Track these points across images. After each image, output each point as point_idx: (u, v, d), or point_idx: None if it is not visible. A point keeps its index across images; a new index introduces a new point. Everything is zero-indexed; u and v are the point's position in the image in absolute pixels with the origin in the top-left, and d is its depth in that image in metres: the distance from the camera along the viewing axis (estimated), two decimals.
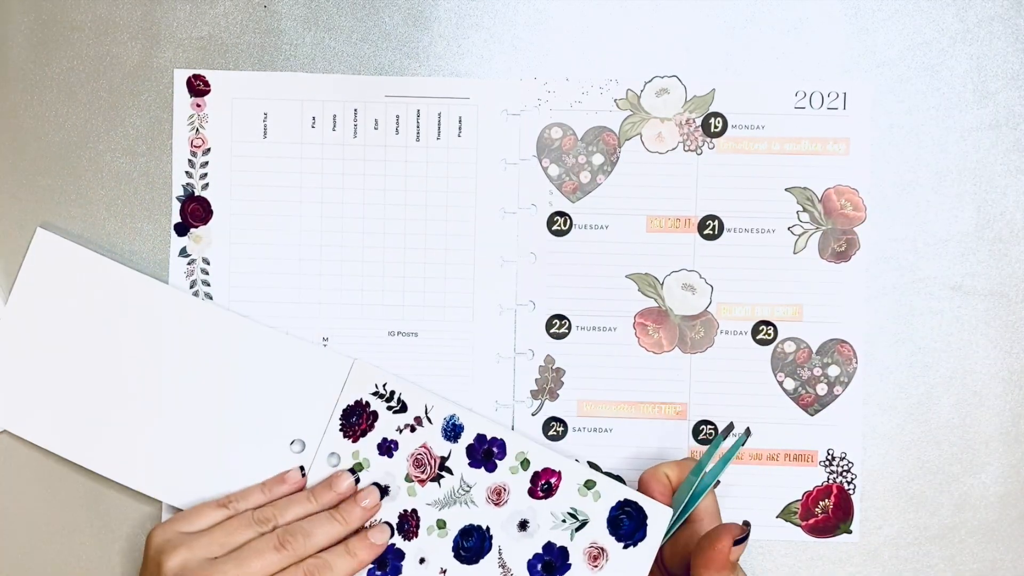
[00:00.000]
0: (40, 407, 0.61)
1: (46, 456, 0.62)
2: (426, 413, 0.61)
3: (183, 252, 0.62)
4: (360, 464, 0.60)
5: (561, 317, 0.62)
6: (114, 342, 0.61)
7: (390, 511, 0.60)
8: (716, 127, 0.62)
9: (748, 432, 0.59)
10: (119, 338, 0.61)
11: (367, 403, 0.61)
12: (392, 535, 0.59)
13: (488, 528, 0.59)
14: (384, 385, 0.61)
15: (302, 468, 0.60)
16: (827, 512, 0.62)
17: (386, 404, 0.60)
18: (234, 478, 0.60)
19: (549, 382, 0.62)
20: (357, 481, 0.60)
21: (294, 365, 0.61)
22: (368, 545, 0.58)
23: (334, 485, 0.59)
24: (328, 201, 0.62)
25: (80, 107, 0.62)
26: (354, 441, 0.60)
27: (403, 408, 0.60)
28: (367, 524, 0.59)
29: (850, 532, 0.62)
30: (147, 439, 0.60)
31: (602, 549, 0.58)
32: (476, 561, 0.59)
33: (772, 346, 0.62)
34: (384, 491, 0.60)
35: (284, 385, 0.61)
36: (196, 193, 0.62)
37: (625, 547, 0.57)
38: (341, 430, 0.61)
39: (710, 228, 0.62)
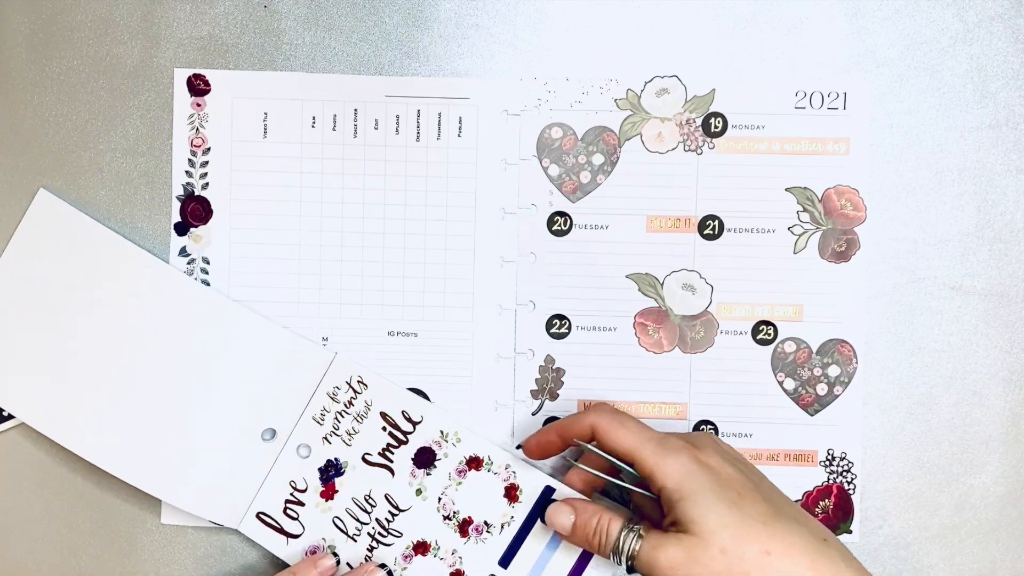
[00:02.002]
0: (15, 373, 0.61)
1: (46, 456, 0.62)
2: (405, 417, 0.61)
3: (183, 252, 0.62)
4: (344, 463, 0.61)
5: (561, 317, 0.62)
6: (97, 312, 0.60)
7: (349, 490, 0.61)
8: (716, 127, 0.62)
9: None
10: (102, 308, 0.60)
11: (343, 399, 0.61)
12: None
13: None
14: (360, 381, 0.61)
15: (335, 553, 0.60)
16: (827, 512, 0.62)
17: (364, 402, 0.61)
18: (202, 462, 0.60)
19: (549, 382, 0.62)
20: (337, 563, 0.60)
21: (277, 353, 0.61)
22: None
23: (318, 566, 0.58)
24: (328, 201, 0.62)
25: (80, 107, 0.62)
26: (325, 435, 0.61)
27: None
28: None
29: (850, 532, 0.62)
30: (118, 413, 0.60)
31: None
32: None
33: (772, 346, 0.62)
34: (336, 562, 0.60)
35: (265, 373, 0.61)
36: (196, 193, 0.62)
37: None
38: (315, 422, 0.61)
39: (710, 228, 0.62)
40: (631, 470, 0.55)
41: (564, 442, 0.58)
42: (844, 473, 0.62)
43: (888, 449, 0.62)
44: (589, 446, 0.56)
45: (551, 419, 0.62)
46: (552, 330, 0.62)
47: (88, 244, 0.61)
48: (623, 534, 0.53)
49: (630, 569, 0.53)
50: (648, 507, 0.57)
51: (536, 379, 0.62)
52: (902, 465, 0.62)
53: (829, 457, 0.62)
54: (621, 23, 0.62)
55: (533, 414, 0.62)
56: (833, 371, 0.62)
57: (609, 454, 0.55)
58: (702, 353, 0.62)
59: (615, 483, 0.57)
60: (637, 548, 0.52)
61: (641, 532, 0.53)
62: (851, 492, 0.62)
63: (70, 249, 0.61)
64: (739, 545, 0.50)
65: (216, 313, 0.61)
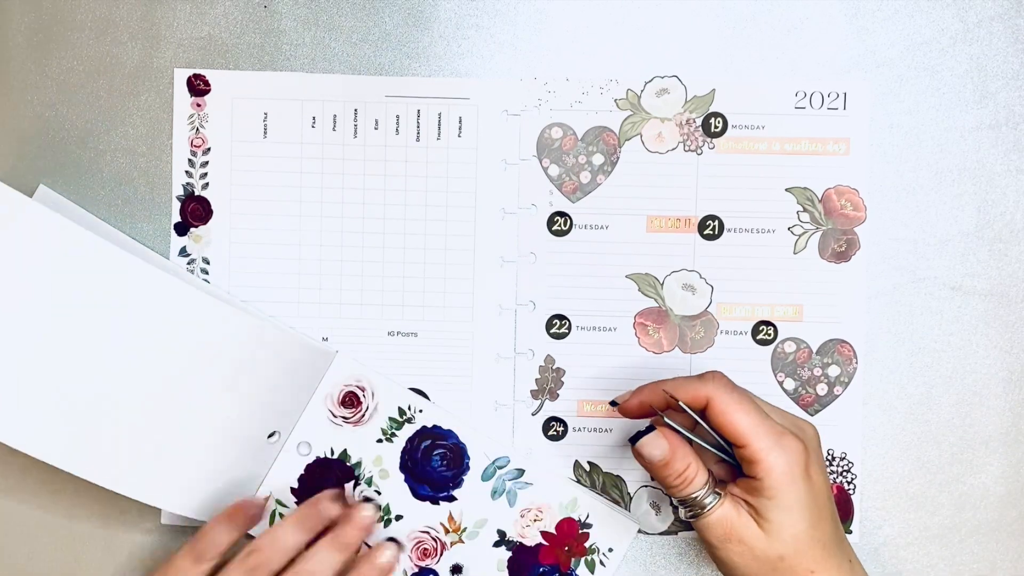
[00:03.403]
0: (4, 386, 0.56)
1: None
2: (402, 415, 0.61)
3: (183, 252, 0.62)
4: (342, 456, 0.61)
5: (561, 317, 0.62)
6: (87, 319, 0.57)
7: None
8: (716, 127, 0.62)
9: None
10: (93, 315, 0.57)
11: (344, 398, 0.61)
12: (401, 550, 0.59)
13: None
14: (358, 381, 0.61)
15: (253, 499, 0.58)
16: None
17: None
18: (202, 466, 0.60)
19: (549, 382, 0.62)
20: (343, 491, 0.59)
21: (278, 352, 0.60)
22: (378, 569, 0.56)
23: (322, 510, 0.56)
24: (328, 201, 0.62)
25: (80, 107, 0.62)
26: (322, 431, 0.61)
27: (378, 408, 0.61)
28: (370, 543, 0.59)
29: (850, 532, 0.62)
30: (115, 423, 0.58)
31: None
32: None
33: (772, 346, 0.62)
34: (378, 506, 0.59)
35: (264, 372, 0.60)
36: (196, 193, 0.62)
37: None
38: (315, 419, 0.61)
39: (710, 228, 0.62)
40: (721, 440, 0.55)
41: (666, 404, 0.55)
42: (844, 473, 0.62)
43: (888, 449, 0.62)
44: (694, 416, 0.54)
45: (553, 419, 0.62)
46: (552, 330, 0.62)
47: (78, 248, 0.57)
48: (704, 491, 0.53)
49: (687, 518, 0.54)
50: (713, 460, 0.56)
51: (536, 379, 0.62)
52: (902, 465, 0.62)
53: (829, 457, 0.62)
54: (621, 23, 0.62)
55: (533, 414, 0.62)
56: (833, 371, 0.62)
57: (716, 426, 0.54)
58: (702, 353, 0.62)
59: (695, 440, 0.55)
60: (709, 510, 0.53)
61: (721, 498, 0.53)
62: (851, 492, 0.62)
63: (57, 254, 0.56)
64: (796, 560, 0.52)
65: (214, 313, 0.60)
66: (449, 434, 0.61)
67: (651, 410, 0.56)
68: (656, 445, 0.53)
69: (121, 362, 0.59)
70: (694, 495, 0.53)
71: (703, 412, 0.54)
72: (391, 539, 0.59)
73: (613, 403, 0.57)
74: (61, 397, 0.57)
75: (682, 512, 0.55)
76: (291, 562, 0.55)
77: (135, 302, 0.59)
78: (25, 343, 0.57)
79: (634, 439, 0.54)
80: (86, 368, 0.58)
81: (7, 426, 0.56)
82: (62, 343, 0.58)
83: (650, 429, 0.54)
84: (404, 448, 0.61)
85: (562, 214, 0.62)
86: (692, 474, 0.53)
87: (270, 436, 0.61)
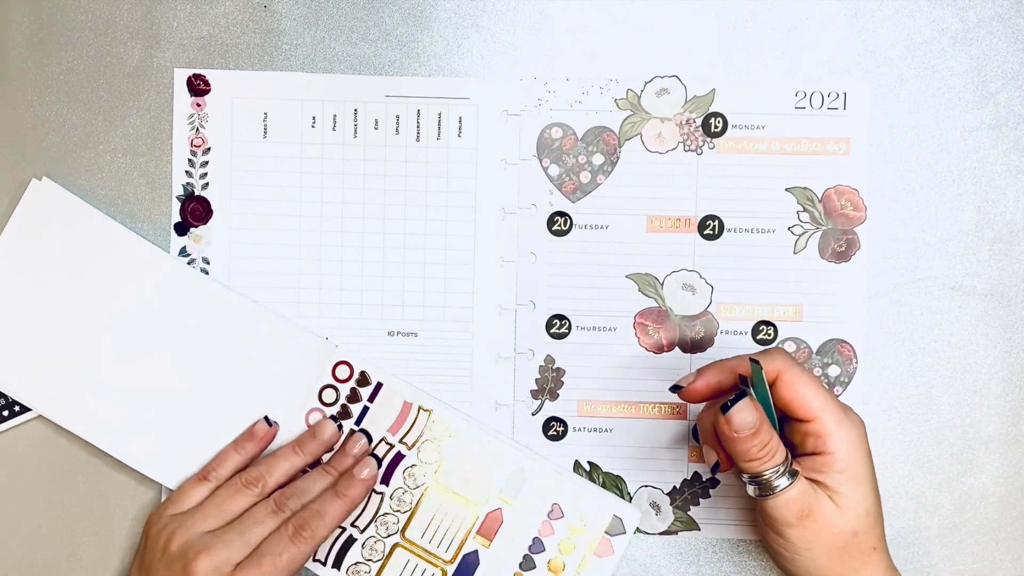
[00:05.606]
0: (19, 359, 0.61)
1: (46, 455, 0.62)
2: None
3: (183, 252, 0.62)
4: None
5: (561, 317, 0.62)
6: (100, 302, 0.61)
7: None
8: (716, 127, 0.62)
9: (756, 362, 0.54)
10: (106, 298, 0.61)
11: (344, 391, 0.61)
12: (380, 466, 0.60)
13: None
14: (360, 374, 0.61)
15: (267, 418, 0.60)
16: None
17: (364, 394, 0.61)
18: (205, 453, 0.61)
19: (549, 382, 0.62)
20: (340, 428, 0.60)
21: (280, 346, 0.61)
22: (356, 482, 0.58)
23: (318, 434, 0.60)
24: (328, 201, 0.62)
25: (80, 107, 0.62)
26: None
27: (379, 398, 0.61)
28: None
29: None
30: (122, 403, 0.61)
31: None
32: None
33: (772, 346, 0.62)
34: (369, 437, 0.60)
35: (267, 365, 0.61)
36: (196, 193, 0.62)
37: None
38: (315, 413, 0.61)
39: (710, 228, 0.62)
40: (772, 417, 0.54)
41: (732, 383, 0.55)
42: None
43: (888, 449, 0.62)
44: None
45: (553, 419, 0.62)
46: (552, 330, 0.62)
47: (89, 233, 0.61)
48: (783, 466, 0.53)
49: (758, 496, 0.54)
50: None
51: (536, 379, 0.62)
52: (902, 465, 0.62)
53: None
54: (621, 23, 0.62)
55: (533, 414, 0.62)
56: (833, 371, 0.62)
57: (783, 400, 0.54)
58: (702, 353, 0.62)
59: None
60: (789, 486, 0.53)
61: (799, 476, 0.53)
62: None
63: (69, 237, 0.61)
64: (865, 535, 0.54)
65: (220, 306, 0.61)
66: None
67: (717, 392, 0.55)
68: (750, 412, 0.52)
69: (126, 340, 0.61)
70: (773, 470, 0.53)
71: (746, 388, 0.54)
72: (372, 455, 0.60)
73: (675, 388, 0.56)
74: (73, 366, 0.61)
75: (752, 490, 0.54)
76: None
77: (141, 283, 0.61)
78: (41, 320, 0.61)
79: (724, 407, 0.52)
80: (96, 343, 0.61)
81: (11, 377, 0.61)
82: (69, 318, 0.61)
83: (740, 396, 0.52)
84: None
85: (562, 214, 0.62)
86: (775, 447, 0.53)
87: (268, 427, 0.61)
